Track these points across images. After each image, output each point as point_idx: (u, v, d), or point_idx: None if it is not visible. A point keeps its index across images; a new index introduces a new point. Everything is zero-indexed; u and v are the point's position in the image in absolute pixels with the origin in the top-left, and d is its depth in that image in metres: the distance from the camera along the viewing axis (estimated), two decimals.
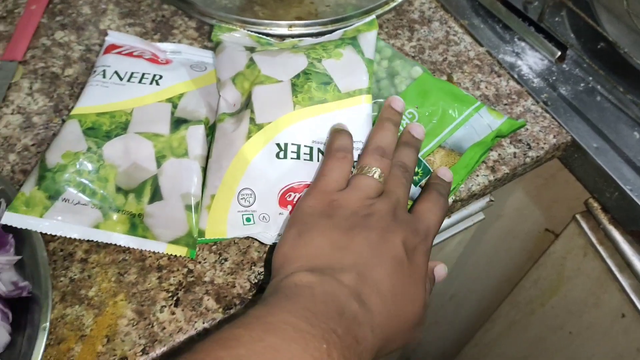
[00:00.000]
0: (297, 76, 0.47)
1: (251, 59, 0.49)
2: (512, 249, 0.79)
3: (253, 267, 0.47)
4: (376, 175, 0.43)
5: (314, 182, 0.44)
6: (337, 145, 0.44)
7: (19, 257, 0.43)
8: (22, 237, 0.44)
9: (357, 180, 0.43)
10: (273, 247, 0.48)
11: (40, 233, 0.44)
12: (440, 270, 0.45)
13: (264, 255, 0.47)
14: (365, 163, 0.44)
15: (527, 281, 0.77)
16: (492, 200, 0.64)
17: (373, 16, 0.53)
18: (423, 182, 0.48)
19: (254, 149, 0.46)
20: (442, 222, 0.45)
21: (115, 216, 0.46)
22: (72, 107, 0.49)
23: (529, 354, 0.86)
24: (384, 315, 0.36)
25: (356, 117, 0.47)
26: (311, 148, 0.46)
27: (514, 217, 0.76)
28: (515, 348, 0.89)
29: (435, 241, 0.64)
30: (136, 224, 0.46)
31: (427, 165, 0.49)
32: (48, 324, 0.40)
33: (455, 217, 0.63)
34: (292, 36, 0.59)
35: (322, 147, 0.46)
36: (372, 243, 0.39)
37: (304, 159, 0.46)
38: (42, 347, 0.39)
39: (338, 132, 0.45)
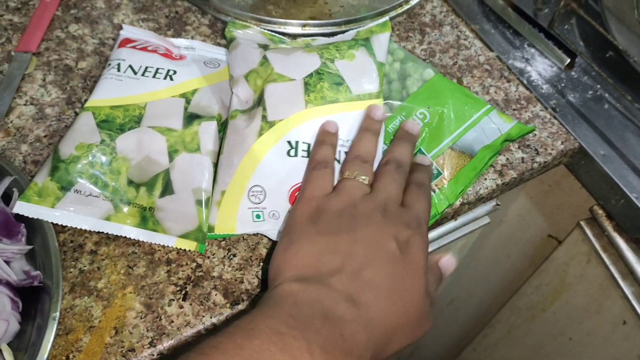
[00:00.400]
0: (310, 75, 0.48)
1: (264, 57, 0.49)
2: (514, 254, 0.80)
3: (261, 264, 0.47)
4: (360, 179, 0.43)
5: (301, 191, 0.44)
6: (318, 158, 0.45)
7: (30, 247, 0.43)
8: (33, 227, 0.44)
9: (342, 183, 0.44)
10: None
11: (52, 223, 0.45)
12: (447, 262, 0.44)
13: (273, 252, 0.48)
14: (347, 169, 0.44)
15: (529, 287, 0.77)
16: (498, 204, 0.64)
17: (386, 18, 0.53)
18: (432, 184, 0.49)
19: (265, 146, 0.46)
20: (430, 210, 0.44)
21: (126, 209, 0.46)
22: (85, 100, 0.50)
23: (529, 359, 0.86)
24: (380, 310, 0.37)
25: None
26: None
27: (517, 222, 0.76)
28: (514, 353, 0.89)
29: (441, 244, 0.65)
30: (147, 217, 0.46)
31: (437, 166, 0.49)
32: (58, 313, 0.41)
33: (461, 220, 0.63)
34: (305, 35, 0.59)
35: None
36: (361, 242, 0.39)
37: None
38: (51, 336, 0.40)
39: (320, 145, 0.46)
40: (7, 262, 0.42)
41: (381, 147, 0.47)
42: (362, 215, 0.40)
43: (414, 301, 0.38)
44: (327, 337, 0.33)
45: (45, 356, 0.39)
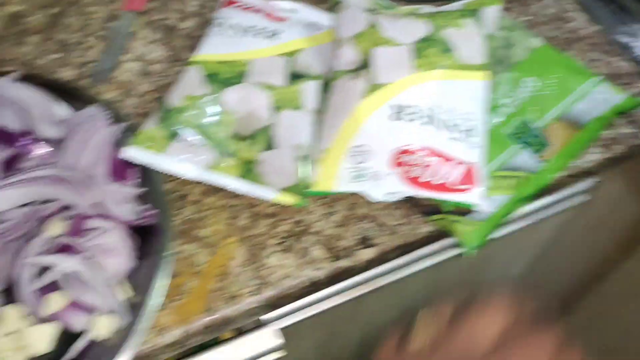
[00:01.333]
0: (419, 41, 0.47)
1: (372, 20, 0.49)
2: (605, 236, 0.77)
3: (360, 223, 0.47)
4: None
5: None
6: None
7: (144, 189, 0.45)
8: (142, 172, 0.46)
9: None
10: (380, 204, 0.48)
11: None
12: None
13: (371, 212, 0.48)
14: None
15: (620, 271, 0.74)
16: (599, 182, 0.62)
17: None
18: (538, 155, 0.47)
19: (369, 108, 0.46)
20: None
21: (229, 160, 0.47)
22: (187, 59, 0.51)
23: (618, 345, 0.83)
24: None
25: (468, 91, 0.47)
26: (428, 113, 0.46)
27: (609, 205, 0.73)
28: (603, 339, 0.86)
29: (529, 222, 0.62)
30: (249, 170, 0.47)
31: (544, 136, 0.48)
32: (170, 253, 0.42)
33: (556, 196, 0.61)
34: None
35: (437, 113, 0.46)
36: None
37: (421, 123, 0.46)
38: (165, 276, 0.41)
39: None
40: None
41: (483, 114, 0.46)
42: None
43: None
44: None
45: (160, 295, 0.40)
